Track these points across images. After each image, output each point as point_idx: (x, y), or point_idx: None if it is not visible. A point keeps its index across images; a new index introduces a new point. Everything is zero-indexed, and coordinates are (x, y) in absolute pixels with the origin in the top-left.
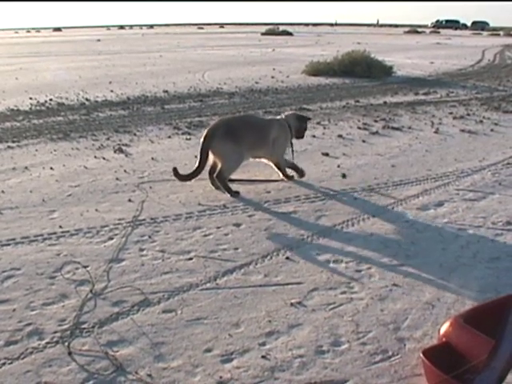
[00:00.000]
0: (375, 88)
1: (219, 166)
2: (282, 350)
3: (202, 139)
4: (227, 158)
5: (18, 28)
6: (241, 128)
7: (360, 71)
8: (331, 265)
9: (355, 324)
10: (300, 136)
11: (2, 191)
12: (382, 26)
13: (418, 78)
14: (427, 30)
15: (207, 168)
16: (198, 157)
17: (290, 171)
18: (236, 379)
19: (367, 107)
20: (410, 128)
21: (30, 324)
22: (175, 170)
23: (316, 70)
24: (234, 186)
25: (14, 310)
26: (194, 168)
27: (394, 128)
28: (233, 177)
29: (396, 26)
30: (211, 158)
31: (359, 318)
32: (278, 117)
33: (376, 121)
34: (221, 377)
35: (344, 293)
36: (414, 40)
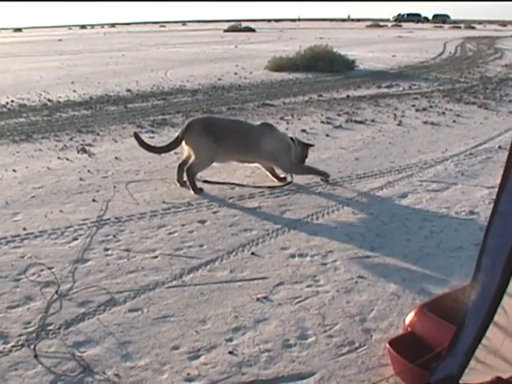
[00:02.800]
0: (338, 82)
1: (191, 159)
2: (249, 345)
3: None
4: (200, 153)
5: None
6: (222, 128)
7: (323, 66)
8: (296, 259)
9: (321, 317)
10: (301, 162)
11: None
12: (353, 20)
13: (380, 72)
14: (389, 24)
15: (173, 164)
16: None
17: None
18: (204, 376)
19: (330, 101)
20: (373, 121)
21: None
22: (136, 135)
23: (279, 65)
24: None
25: None
26: (163, 145)
27: (357, 121)
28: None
29: (364, 20)
30: (186, 150)
31: (325, 311)
32: (290, 134)
33: (339, 115)
34: (188, 374)
35: (310, 286)
36: (376, 34)
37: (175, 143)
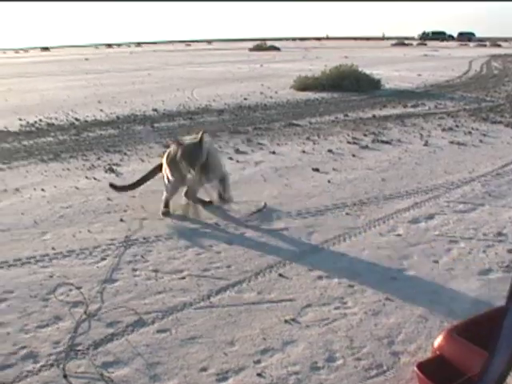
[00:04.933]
0: (364, 102)
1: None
2: (277, 368)
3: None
4: None
5: (5, 48)
6: None
7: (348, 85)
8: (324, 280)
9: (349, 339)
10: None
11: None
12: (388, 39)
13: (406, 91)
14: (414, 43)
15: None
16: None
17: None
18: None
19: (356, 121)
20: (399, 141)
21: (24, 347)
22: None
23: (304, 84)
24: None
25: (8, 333)
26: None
27: (383, 141)
28: None
29: (389, 38)
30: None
31: (353, 334)
32: None
33: (365, 135)
34: None
35: (337, 308)
36: (402, 52)
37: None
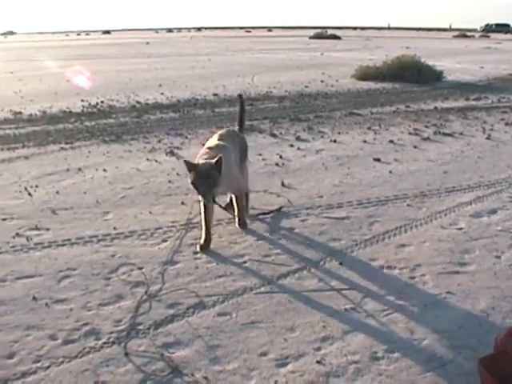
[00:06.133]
0: (425, 93)
1: None
2: (336, 356)
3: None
4: None
5: (68, 31)
6: None
7: (409, 76)
8: (385, 271)
9: (410, 331)
10: None
11: (57, 192)
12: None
13: (468, 83)
14: (476, 35)
15: (260, 170)
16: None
17: None
18: None
19: (418, 112)
20: (461, 134)
21: (86, 324)
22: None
23: (365, 74)
24: None
25: (71, 309)
26: None
27: (445, 134)
28: None
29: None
30: None
31: (414, 325)
32: None
33: (427, 126)
34: (276, 381)
35: (398, 299)
36: (464, 44)
37: None
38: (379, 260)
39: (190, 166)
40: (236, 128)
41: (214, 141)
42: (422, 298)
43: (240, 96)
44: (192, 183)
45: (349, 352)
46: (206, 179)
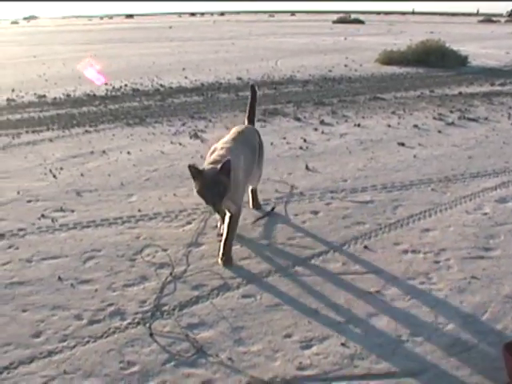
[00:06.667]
0: (450, 78)
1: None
2: (361, 339)
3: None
4: None
5: (91, 15)
6: None
7: (434, 61)
8: (409, 255)
9: (434, 315)
10: None
11: (82, 174)
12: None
13: (493, 69)
14: (502, 20)
15: (285, 154)
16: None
17: None
18: (316, 366)
19: (442, 97)
20: (486, 119)
21: (111, 304)
22: None
23: (389, 58)
24: None
25: (96, 290)
26: None
27: (470, 119)
28: None
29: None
30: None
31: (438, 310)
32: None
33: (451, 111)
34: (300, 362)
35: (423, 283)
36: (489, 29)
37: None
38: (404, 244)
39: (195, 173)
40: (246, 121)
41: (223, 143)
42: (447, 283)
43: (252, 86)
44: (198, 192)
45: (373, 335)
46: (213, 186)
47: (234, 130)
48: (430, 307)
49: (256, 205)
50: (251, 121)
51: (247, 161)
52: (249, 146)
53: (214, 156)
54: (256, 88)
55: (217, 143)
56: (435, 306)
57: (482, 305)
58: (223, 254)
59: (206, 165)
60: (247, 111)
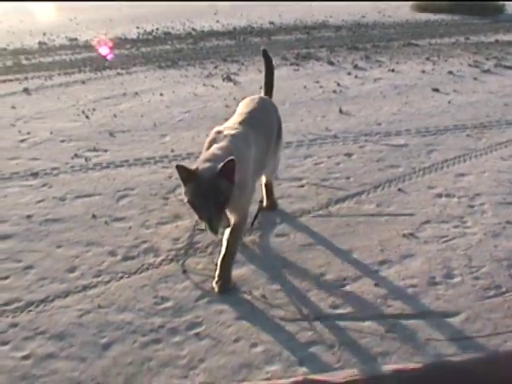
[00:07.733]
0: (486, 25)
1: None
2: (394, 279)
3: None
4: None
5: None
6: None
7: (470, 8)
8: (443, 199)
9: (468, 258)
10: None
11: (114, 115)
12: None
13: None
14: None
15: (319, 97)
16: None
17: None
18: (348, 304)
19: (478, 45)
20: None
21: (145, 241)
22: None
23: (424, 5)
24: None
25: (130, 227)
26: None
27: (506, 67)
28: None
29: None
30: None
31: (472, 253)
32: None
33: (487, 59)
34: (333, 301)
35: (457, 227)
36: None
37: None
38: (438, 188)
39: (186, 175)
40: (263, 91)
41: (228, 128)
42: (481, 227)
43: (264, 51)
44: (189, 202)
45: (406, 276)
46: (210, 195)
47: (245, 104)
48: (464, 250)
49: (271, 204)
50: (268, 91)
51: (259, 152)
52: (263, 129)
53: (214, 149)
54: (269, 53)
55: (219, 126)
56: (469, 249)
57: None
58: (219, 277)
59: (201, 161)
60: (264, 83)
